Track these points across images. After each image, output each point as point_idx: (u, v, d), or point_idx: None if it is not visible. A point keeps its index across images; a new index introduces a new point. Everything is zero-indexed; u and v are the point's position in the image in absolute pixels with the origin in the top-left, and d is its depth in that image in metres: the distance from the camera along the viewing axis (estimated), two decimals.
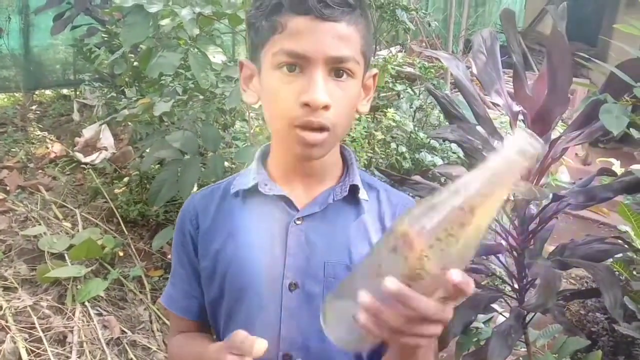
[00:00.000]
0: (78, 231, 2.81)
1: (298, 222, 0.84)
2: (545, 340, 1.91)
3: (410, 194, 1.99)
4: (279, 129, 0.81)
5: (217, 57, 2.40)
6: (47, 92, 5.11)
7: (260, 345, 0.71)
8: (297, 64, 0.75)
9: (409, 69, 3.87)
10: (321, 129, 0.76)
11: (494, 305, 1.86)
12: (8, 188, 3.27)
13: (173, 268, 0.95)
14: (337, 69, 0.76)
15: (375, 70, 0.88)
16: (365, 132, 2.64)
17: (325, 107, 0.75)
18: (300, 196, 0.86)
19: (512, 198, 1.76)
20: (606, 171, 1.62)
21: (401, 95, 3.20)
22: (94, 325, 2.19)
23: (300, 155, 0.80)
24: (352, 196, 0.87)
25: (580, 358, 1.93)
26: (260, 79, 0.81)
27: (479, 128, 1.67)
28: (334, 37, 0.75)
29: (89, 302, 2.31)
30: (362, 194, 0.87)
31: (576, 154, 4.63)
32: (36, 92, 5.00)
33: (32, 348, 2.03)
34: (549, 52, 1.40)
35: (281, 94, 0.76)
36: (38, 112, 4.67)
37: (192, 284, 0.92)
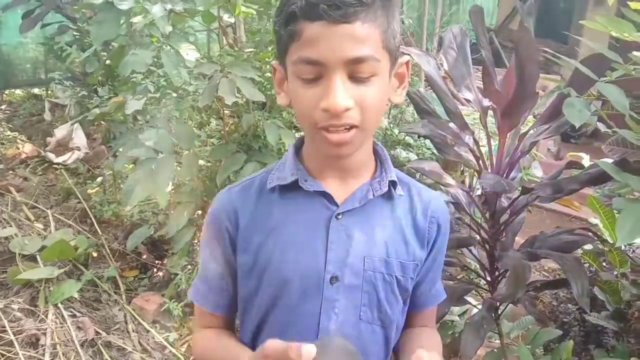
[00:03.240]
0: (50, 232, 2.76)
1: (339, 217, 0.86)
2: (518, 332, 1.94)
3: None
4: (307, 131, 0.84)
5: (190, 54, 2.38)
6: (17, 91, 5.01)
7: (309, 349, 0.65)
8: (316, 70, 0.76)
9: None
10: (349, 128, 0.77)
11: (468, 298, 1.89)
12: None
13: (203, 264, 0.95)
14: (357, 71, 0.76)
15: (406, 58, 0.87)
16: None
17: (346, 110, 0.75)
18: (338, 191, 0.87)
19: (483, 192, 1.79)
20: (574, 164, 1.66)
21: None
22: (68, 327, 2.16)
23: (328, 154, 0.82)
24: (388, 192, 0.89)
25: (552, 348, 1.97)
26: (288, 83, 0.83)
27: (450, 123, 1.70)
28: (348, 39, 0.74)
29: (62, 303, 2.27)
30: (399, 190, 0.90)
31: (548, 149, 4.72)
32: (6, 92, 4.89)
33: (3, 352, 1.99)
34: (516, 47, 1.42)
35: (303, 101, 0.78)
36: (8, 112, 4.58)
37: (225, 279, 0.93)
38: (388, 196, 0.90)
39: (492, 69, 1.55)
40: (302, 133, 1.07)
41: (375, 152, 0.92)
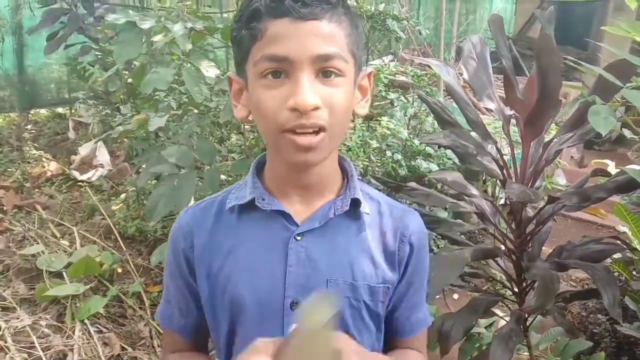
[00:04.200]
0: (76, 249, 2.80)
1: (298, 237, 0.80)
2: (547, 344, 1.90)
3: (407, 201, 2.00)
4: (270, 138, 0.77)
5: (210, 71, 2.41)
6: (42, 111, 5.13)
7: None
8: (281, 69, 0.72)
9: (402, 78, 3.89)
10: (317, 130, 0.73)
11: (495, 310, 1.86)
12: (5, 208, 3.26)
13: (166, 286, 0.91)
14: (324, 69, 0.73)
15: (369, 69, 0.84)
16: (361, 141, 2.65)
17: (316, 109, 0.71)
18: (300, 210, 0.82)
19: (507, 202, 1.77)
20: (600, 172, 1.63)
21: (395, 104, 3.21)
22: (94, 342, 2.18)
23: (295, 161, 0.75)
24: (354, 210, 0.83)
25: None
26: (248, 91, 0.78)
27: (472, 133, 1.69)
28: (316, 36, 0.71)
29: (88, 319, 2.29)
30: (364, 208, 0.84)
31: (572, 156, 4.65)
32: (31, 112, 5.02)
33: None
34: (537, 55, 1.41)
35: (268, 102, 0.73)
36: (33, 131, 4.69)
37: (187, 302, 0.88)
38: (354, 215, 0.83)
39: (514, 78, 1.54)
40: None
41: (342, 167, 0.87)
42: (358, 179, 0.88)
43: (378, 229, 0.86)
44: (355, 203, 0.83)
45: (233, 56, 0.81)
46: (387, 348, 0.92)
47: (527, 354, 1.79)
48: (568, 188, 1.78)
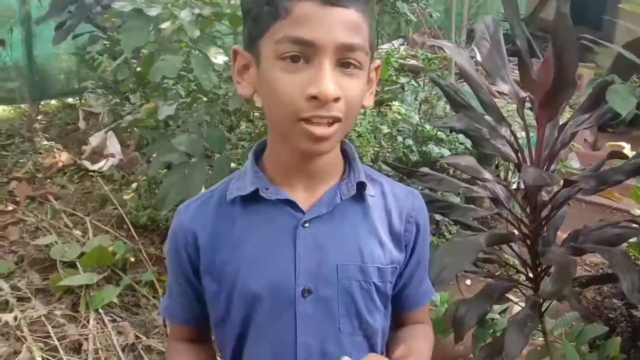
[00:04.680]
0: (89, 239, 2.82)
1: (306, 225, 0.80)
2: (562, 329, 1.88)
3: (419, 187, 1.97)
4: (280, 124, 0.75)
5: (218, 58, 2.39)
6: (53, 102, 5.14)
7: None
8: (303, 53, 0.69)
9: (412, 62, 3.84)
10: (332, 122, 0.72)
11: (509, 296, 1.84)
12: (18, 199, 3.29)
13: (169, 282, 0.91)
14: (345, 59, 0.71)
15: (378, 62, 0.83)
16: (371, 126, 2.62)
17: (336, 100, 0.70)
18: (304, 198, 0.81)
19: (521, 186, 1.74)
20: (617, 154, 1.60)
21: (406, 88, 3.18)
22: (109, 331, 2.20)
23: (305, 150, 0.74)
24: (359, 193, 0.83)
25: (598, 345, 1.90)
26: (259, 70, 0.75)
27: (486, 116, 1.65)
28: (344, 24, 0.69)
29: (102, 309, 2.31)
30: (369, 190, 0.84)
31: (585, 139, 4.57)
32: (42, 103, 5.02)
33: (48, 357, 2.03)
34: (553, 35, 1.37)
35: (284, 87, 0.70)
36: (44, 122, 4.70)
37: (189, 298, 0.88)
38: (359, 198, 0.83)
39: (529, 59, 1.50)
40: None
41: (344, 151, 0.86)
42: (361, 162, 0.88)
43: (383, 210, 0.86)
44: (361, 186, 0.83)
45: (243, 30, 0.78)
46: (396, 322, 0.94)
47: (542, 339, 1.77)
48: (584, 171, 1.75)
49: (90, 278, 2.39)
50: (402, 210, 0.87)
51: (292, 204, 0.80)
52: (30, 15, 4.48)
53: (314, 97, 0.69)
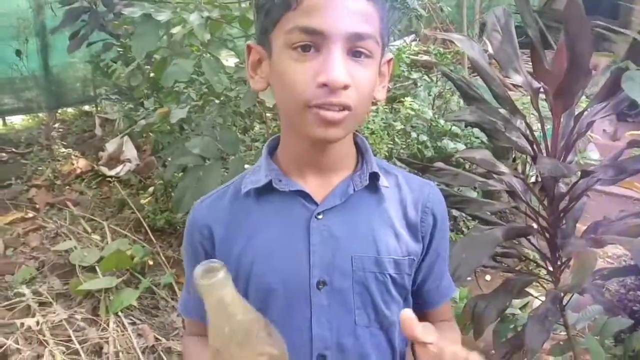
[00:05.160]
0: (107, 243, 2.85)
1: (319, 216, 0.80)
2: (585, 323, 1.85)
3: (434, 182, 1.95)
4: (292, 113, 0.75)
5: (229, 60, 2.40)
6: (70, 110, 5.21)
7: None
8: (313, 42, 0.70)
9: (425, 57, 3.81)
10: (342, 109, 0.72)
11: (530, 290, 1.81)
12: (37, 206, 3.34)
13: (186, 276, 0.91)
14: (356, 48, 0.71)
15: (390, 56, 0.83)
16: (384, 123, 2.60)
17: (345, 87, 0.70)
18: (317, 189, 0.81)
19: (539, 178, 1.71)
20: (636, 144, 1.56)
21: (418, 84, 3.15)
22: (129, 334, 2.22)
23: (316, 137, 0.74)
24: (372, 184, 0.82)
25: (623, 339, 1.86)
26: (271, 62, 0.75)
27: (500, 109, 1.63)
28: (353, 13, 0.70)
29: (122, 312, 2.34)
30: (382, 181, 0.83)
31: (604, 130, 4.49)
32: (59, 111, 5.10)
33: None
34: (566, 23, 1.34)
35: (295, 75, 0.71)
36: (61, 130, 4.77)
37: None
38: (373, 189, 0.83)
39: (541, 49, 1.47)
40: None
41: (356, 144, 0.86)
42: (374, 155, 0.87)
43: (398, 202, 0.85)
44: (374, 177, 0.82)
45: (255, 25, 0.80)
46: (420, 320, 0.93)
47: (565, 333, 1.74)
48: (602, 161, 1.71)
49: (109, 282, 2.42)
50: (417, 201, 0.86)
51: (305, 196, 0.80)
52: (45, 25, 4.55)
53: (324, 85, 0.69)
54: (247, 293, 0.83)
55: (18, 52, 4.51)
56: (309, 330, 0.80)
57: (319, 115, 0.71)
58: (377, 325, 0.84)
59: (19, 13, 4.42)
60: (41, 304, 2.36)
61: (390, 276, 0.82)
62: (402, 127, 2.71)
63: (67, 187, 3.68)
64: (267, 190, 0.81)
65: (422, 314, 0.93)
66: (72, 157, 4.12)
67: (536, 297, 1.83)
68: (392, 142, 2.60)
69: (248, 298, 0.82)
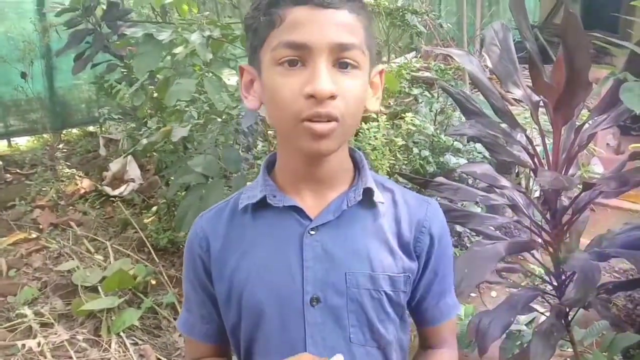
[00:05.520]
0: (110, 263, 2.84)
1: (312, 232, 0.79)
2: (592, 339, 1.82)
3: (436, 197, 1.95)
4: (284, 128, 0.76)
5: (231, 79, 2.42)
6: (74, 130, 5.25)
7: None
8: (299, 57, 0.71)
9: (426, 74, 3.83)
10: (329, 119, 0.72)
11: (535, 306, 1.78)
12: (41, 226, 3.34)
13: (186, 294, 0.90)
14: (341, 59, 0.72)
15: (381, 67, 0.83)
16: (386, 139, 2.61)
17: (332, 97, 0.71)
18: (312, 205, 0.81)
19: (541, 191, 1.70)
20: (639, 156, 1.55)
21: (419, 100, 3.16)
22: (130, 355, 2.20)
23: (308, 150, 0.74)
24: (367, 200, 0.82)
25: (632, 355, 1.83)
26: (261, 79, 0.77)
27: (500, 123, 1.63)
28: (336, 24, 0.71)
29: (124, 332, 2.32)
30: (377, 197, 0.83)
31: (608, 144, 4.47)
32: (63, 132, 5.14)
33: None
34: (563, 36, 1.35)
35: (284, 89, 0.72)
36: (65, 150, 4.80)
37: (208, 309, 0.88)
38: (368, 205, 0.82)
39: (540, 62, 1.48)
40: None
41: (353, 159, 0.86)
42: (371, 170, 0.87)
43: (393, 218, 0.84)
44: (368, 193, 0.82)
45: (246, 45, 0.81)
46: (420, 340, 0.92)
47: (571, 350, 1.71)
48: (605, 174, 1.70)
49: (111, 302, 2.41)
50: (413, 219, 0.85)
51: (298, 211, 0.80)
52: (50, 48, 4.61)
53: (311, 96, 0.70)
54: (240, 310, 0.82)
55: (23, 75, 4.56)
56: (304, 348, 0.79)
57: (310, 128, 0.72)
58: (374, 344, 0.82)
59: (25, 36, 4.48)
60: (43, 324, 2.35)
61: (386, 293, 0.81)
62: (404, 142, 2.71)
63: (71, 207, 3.69)
64: (262, 206, 0.82)
65: (422, 333, 0.92)
66: (76, 177, 4.13)
67: (542, 313, 1.80)
68: (394, 158, 2.59)
69: (242, 315, 0.82)
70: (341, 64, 0.73)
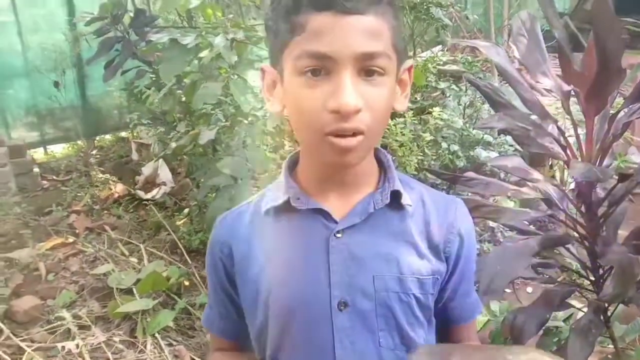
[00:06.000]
0: (144, 265, 2.89)
1: (338, 235, 0.78)
2: (634, 335, 1.76)
3: (466, 192, 1.91)
4: (307, 139, 0.75)
5: (256, 80, 2.44)
6: (107, 136, 5.37)
7: None
8: (322, 66, 0.69)
9: (453, 67, 3.76)
10: (355, 133, 0.70)
11: (572, 301, 1.73)
12: (77, 231, 3.43)
13: (209, 290, 0.92)
14: (367, 67, 0.69)
15: (409, 62, 0.80)
16: (413, 135, 2.57)
17: (357, 111, 0.68)
18: (337, 207, 0.79)
19: (575, 183, 1.64)
20: None
21: (447, 93, 3.11)
22: (165, 356, 2.23)
23: (334, 163, 0.74)
24: (395, 201, 0.80)
25: None
26: (284, 86, 0.75)
27: (530, 115, 1.58)
28: (361, 32, 0.68)
29: (159, 333, 2.36)
30: (405, 199, 0.81)
31: None
32: (96, 138, 5.27)
33: None
34: (594, 23, 1.30)
35: (306, 102, 0.70)
36: (99, 156, 4.92)
37: (227, 307, 0.89)
38: (395, 207, 0.80)
39: (569, 50, 1.43)
40: None
41: (379, 159, 0.84)
42: (397, 169, 0.85)
43: (422, 220, 0.83)
44: (396, 195, 0.80)
45: (267, 45, 0.79)
46: (444, 340, 0.90)
47: (612, 346, 1.65)
48: None
49: (146, 304, 2.45)
50: (442, 220, 0.83)
51: (324, 213, 0.79)
52: (81, 57, 4.72)
53: (335, 111, 0.68)
54: (267, 315, 0.81)
55: (56, 84, 4.69)
56: (332, 353, 0.78)
57: (334, 143, 0.70)
58: (403, 348, 0.81)
59: (56, 46, 4.60)
60: (81, 327, 2.41)
61: (415, 296, 0.80)
62: (432, 137, 2.67)
63: (105, 211, 3.78)
64: (286, 208, 0.80)
65: (444, 333, 0.90)
66: (110, 182, 4.23)
67: (579, 309, 1.75)
68: (422, 154, 2.56)
69: (268, 320, 0.81)
70: (367, 71, 0.70)
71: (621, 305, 1.63)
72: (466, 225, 0.85)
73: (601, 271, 1.58)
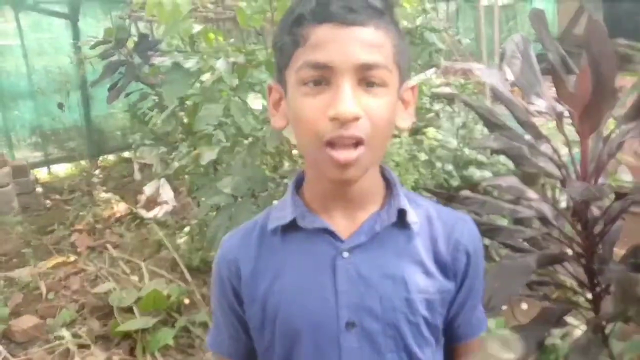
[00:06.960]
0: (145, 284, 2.90)
1: (345, 254, 0.77)
2: (634, 353, 1.76)
3: (462, 210, 1.93)
4: (308, 150, 0.75)
5: (256, 102, 2.48)
6: (110, 157, 5.42)
7: None
8: (323, 76, 0.69)
9: (446, 90, 3.82)
10: (356, 143, 0.70)
11: (569, 319, 1.74)
12: (79, 250, 3.45)
13: (214, 313, 0.90)
14: (367, 78, 0.70)
15: (413, 82, 0.80)
16: (409, 155, 2.61)
17: (356, 119, 0.69)
18: (344, 226, 0.79)
19: (570, 202, 1.67)
20: None
21: (440, 115, 3.16)
22: None
23: (334, 178, 0.73)
24: (401, 220, 0.79)
25: None
26: (287, 99, 0.76)
27: (525, 135, 1.62)
28: (360, 43, 0.69)
29: (159, 351, 2.36)
30: (411, 217, 0.80)
31: (635, 152, 4.34)
32: (100, 159, 5.32)
33: None
34: (588, 44, 1.34)
35: (307, 111, 0.71)
36: (101, 176, 4.96)
37: (235, 328, 0.87)
38: (401, 225, 0.79)
39: (563, 71, 1.47)
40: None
41: (384, 177, 0.83)
42: (403, 187, 0.85)
43: (428, 237, 0.82)
44: (402, 213, 0.80)
45: (274, 63, 0.81)
46: (449, 356, 0.89)
47: None
48: (636, 182, 1.66)
49: (146, 322, 2.45)
50: (449, 238, 0.82)
51: (330, 233, 0.78)
52: (85, 79, 4.80)
53: (334, 118, 0.69)
54: (274, 335, 0.81)
55: (60, 105, 4.76)
56: None
57: (332, 157, 0.70)
58: None
59: (61, 69, 4.68)
60: (80, 346, 2.41)
61: (423, 317, 0.79)
62: (427, 157, 2.70)
63: (107, 230, 3.80)
64: (292, 227, 0.80)
65: (450, 350, 0.89)
66: (112, 201, 4.26)
67: (576, 327, 1.76)
68: (417, 173, 2.59)
69: (275, 339, 0.81)
70: (367, 82, 0.71)
71: (619, 323, 1.64)
72: (474, 243, 0.84)
73: (598, 289, 1.59)
